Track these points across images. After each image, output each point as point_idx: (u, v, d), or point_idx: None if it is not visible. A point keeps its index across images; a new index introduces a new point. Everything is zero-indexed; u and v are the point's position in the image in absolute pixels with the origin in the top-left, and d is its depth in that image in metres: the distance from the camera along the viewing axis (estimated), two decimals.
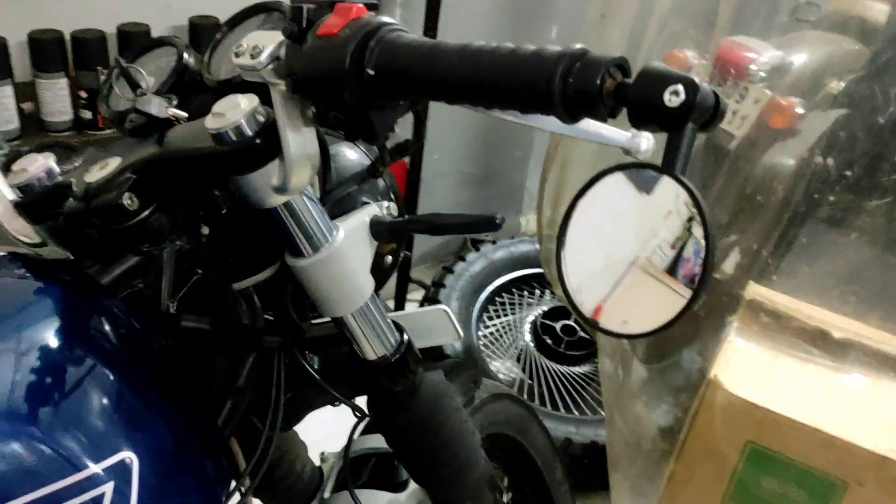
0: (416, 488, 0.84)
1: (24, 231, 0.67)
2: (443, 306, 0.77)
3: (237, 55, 0.55)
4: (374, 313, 0.68)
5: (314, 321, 0.72)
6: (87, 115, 1.39)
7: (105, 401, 0.54)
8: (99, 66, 1.35)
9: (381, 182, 0.75)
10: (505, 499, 1.15)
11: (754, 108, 1.62)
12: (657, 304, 0.37)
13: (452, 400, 0.76)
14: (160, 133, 0.63)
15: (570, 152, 1.71)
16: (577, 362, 1.90)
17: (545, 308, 1.99)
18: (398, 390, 0.71)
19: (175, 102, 0.66)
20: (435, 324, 0.78)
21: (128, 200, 0.58)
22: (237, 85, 0.65)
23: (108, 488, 0.49)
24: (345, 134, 0.54)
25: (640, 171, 0.39)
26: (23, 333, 0.52)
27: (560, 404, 1.81)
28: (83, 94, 1.36)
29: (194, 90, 0.71)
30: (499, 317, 2.00)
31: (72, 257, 0.64)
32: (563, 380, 1.87)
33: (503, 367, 1.94)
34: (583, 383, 1.88)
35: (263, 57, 0.53)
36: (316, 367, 0.73)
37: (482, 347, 1.91)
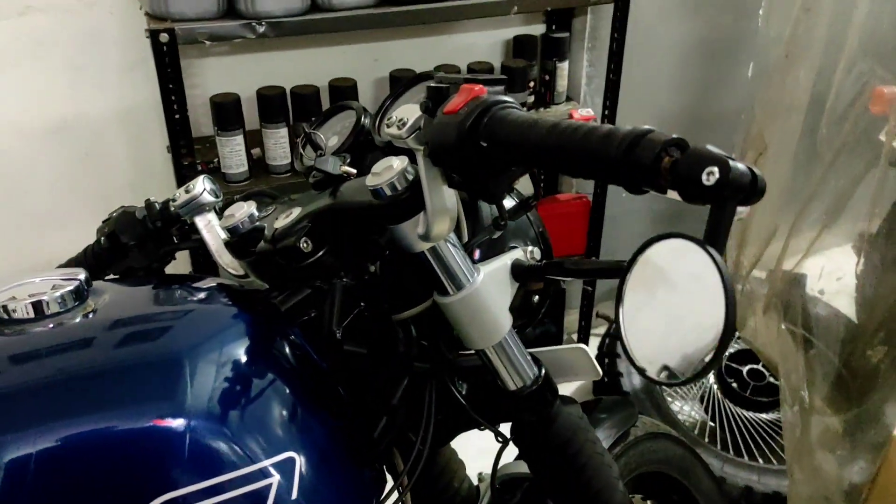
0: None
1: (232, 264, 0.82)
2: (582, 345, 0.83)
3: (388, 126, 0.65)
4: (512, 347, 0.75)
5: (463, 353, 0.81)
6: None
7: (279, 408, 0.65)
8: (314, 116, 1.54)
9: (531, 230, 0.83)
10: None
11: None
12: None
13: (588, 432, 0.81)
14: (335, 187, 0.76)
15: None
16: (763, 408, 1.84)
17: (731, 351, 1.94)
18: (535, 419, 0.77)
19: (348, 160, 0.78)
20: (574, 361, 0.83)
21: (303, 244, 0.70)
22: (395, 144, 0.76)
23: (274, 480, 0.60)
24: (467, 194, 0.62)
25: (683, 241, 0.43)
26: (223, 349, 0.65)
27: (744, 450, 1.76)
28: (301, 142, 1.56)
29: (369, 149, 0.83)
30: None
31: (267, 286, 0.78)
32: (748, 425, 1.81)
33: (686, 409, 1.92)
34: (769, 430, 1.81)
35: (406, 129, 0.63)
36: (464, 393, 0.81)
37: (663, 389, 1.90)
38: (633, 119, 2.01)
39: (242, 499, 0.59)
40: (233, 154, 1.52)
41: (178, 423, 0.58)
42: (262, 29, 1.38)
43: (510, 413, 0.79)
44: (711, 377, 1.92)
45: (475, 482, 1.00)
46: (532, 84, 1.79)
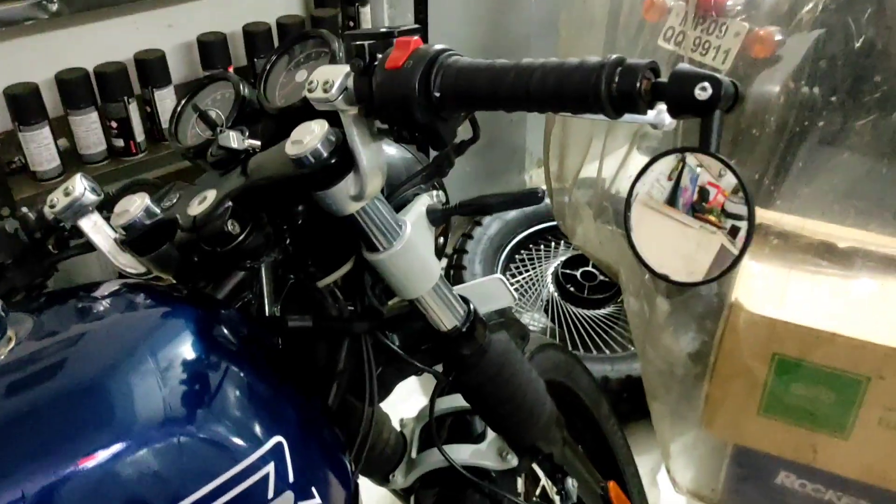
0: (493, 437, 0.95)
1: (129, 263, 0.77)
2: (498, 275, 0.87)
3: (310, 90, 0.64)
4: (444, 290, 0.78)
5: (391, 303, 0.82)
6: (119, 143, 1.47)
7: (245, 395, 0.63)
8: (125, 96, 1.43)
9: None
10: None
11: (735, 42, 1.70)
12: (717, 256, 0.47)
13: (516, 353, 0.86)
14: (241, 163, 0.73)
15: (569, 123, 1.80)
16: (600, 305, 2.01)
17: (563, 258, 2.09)
18: (470, 353, 0.81)
19: (247, 134, 0.75)
20: (492, 291, 0.88)
21: (230, 226, 0.68)
22: (296, 110, 0.74)
23: (269, 469, 0.59)
24: (416, 146, 0.63)
25: (689, 154, 0.48)
26: (177, 351, 0.62)
27: (591, 346, 1.93)
28: (113, 125, 1.45)
29: (256, 118, 0.80)
30: (521, 273, 2.11)
31: (173, 281, 0.75)
32: (590, 323, 1.99)
33: (532, 319, 2.05)
34: (609, 324, 1.99)
35: (335, 90, 0.62)
36: (397, 343, 0.83)
37: (515, 310, 2.02)
38: (444, 41, 2.05)
39: (244, 495, 0.58)
40: (41, 150, 1.37)
41: (156, 438, 0.55)
42: (55, 7, 1.25)
43: (445, 353, 0.82)
44: (550, 285, 2.07)
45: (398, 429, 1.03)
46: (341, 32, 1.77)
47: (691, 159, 0.48)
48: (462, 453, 0.94)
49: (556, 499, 1.05)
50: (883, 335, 1.28)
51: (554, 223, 2.08)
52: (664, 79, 0.48)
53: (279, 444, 0.61)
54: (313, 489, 0.63)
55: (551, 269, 2.09)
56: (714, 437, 1.56)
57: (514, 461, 0.93)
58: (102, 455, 0.53)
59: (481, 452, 0.94)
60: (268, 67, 0.81)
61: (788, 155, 1.39)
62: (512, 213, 2.13)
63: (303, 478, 0.62)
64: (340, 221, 0.71)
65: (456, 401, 0.99)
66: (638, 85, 0.49)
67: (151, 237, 0.71)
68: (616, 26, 1.68)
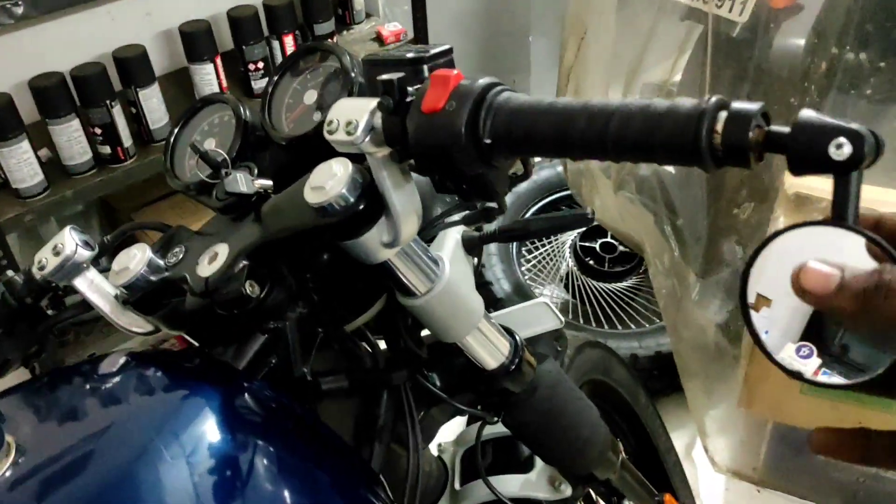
0: (543, 465, 0.88)
1: (134, 323, 0.68)
2: (543, 299, 0.79)
3: (330, 132, 0.54)
4: (488, 328, 0.69)
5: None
6: (106, 150, 1.37)
7: (280, 474, 0.56)
8: (107, 99, 1.32)
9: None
10: None
11: None
12: None
13: (566, 383, 0.78)
14: (253, 206, 0.63)
15: (583, 78, 1.69)
16: (621, 278, 1.94)
17: (580, 230, 2.00)
18: (519, 391, 0.73)
19: (256, 172, 0.66)
20: (537, 315, 0.79)
21: (249, 288, 0.59)
22: (309, 139, 0.65)
23: None
24: (464, 197, 0.54)
25: (813, 228, 0.39)
26: (181, 442, 0.54)
27: (616, 321, 1.85)
28: (97, 131, 1.34)
29: (260, 146, 0.70)
30: (537, 248, 2.02)
31: (185, 337, 0.66)
32: (612, 297, 1.91)
33: (551, 293, 1.98)
34: (631, 296, 1.91)
35: (360, 131, 0.53)
36: (438, 384, 0.75)
37: (529, 281, 1.94)
38: (443, 24, 1.94)
39: None
40: (21, 165, 1.27)
41: None
42: (20, 10, 1.14)
43: (492, 393, 0.74)
44: (569, 259, 1.99)
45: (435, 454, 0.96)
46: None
47: (822, 232, 0.39)
48: (510, 485, 0.87)
49: None
50: None
51: (568, 192, 1.99)
52: (782, 128, 0.39)
53: None
54: None
55: (569, 242, 2.00)
56: (753, 415, 1.50)
57: (567, 491, 0.87)
58: None
59: (531, 483, 0.87)
60: (270, 90, 0.71)
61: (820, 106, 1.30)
62: (524, 185, 2.03)
63: None
64: (366, 267, 0.62)
65: (499, 425, 0.92)
66: (750, 135, 0.39)
67: (158, 296, 0.63)
68: None
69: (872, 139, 0.37)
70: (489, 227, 0.73)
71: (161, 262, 0.63)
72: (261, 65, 1.51)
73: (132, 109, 1.38)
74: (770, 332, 0.41)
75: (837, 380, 0.39)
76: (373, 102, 0.53)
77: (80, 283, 0.67)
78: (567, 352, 1.07)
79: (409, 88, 0.52)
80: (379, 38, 1.72)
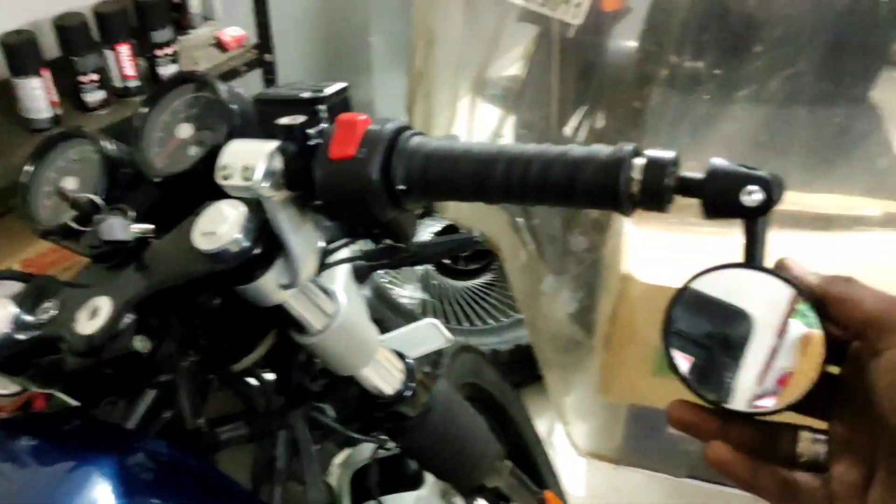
0: (433, 479, 0.89)
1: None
2: (432, 319, 0.80)
3: (225, 177, 0.52)
4: (384, 356, 0.69)
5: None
6: None
7: None
8: None
9: None
10: None
11: None
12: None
13: (459, 401, 0.80)
14: (133, 254, 0.59)
15: (433, 83, 1.71)
16: (476, 275, 1.98)
17: (434, 230, 2.03)
18: (416, 415, 0.74)
19: (132, 215, 0.61)
20: (427, 335, 0.80)
21: (139, 344, 0.55)
22: (187, 176, 0.61)
23: None
24: (374, 240, 0.54)
25: (725, 271, 0.42)
26: None
27: (474, 318, 1.90)
28: None
29: (129, 184, 0.66)
30: None
31: (62, 396, 0.61)
32: (468, 294, 1.95)
33: (408, 293, 1.99)
34: (486, 293, 1.97)
35: (258, 175, 0.51)
36: (332, 415, 0.74)
37: (388, 284, 1.94)
38: (285, 27, 1.88)
39: None
40: None
41: None
42: None
43: (389, 419, 0.74)
44: None
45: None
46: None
47: (735, 274, 0.42)
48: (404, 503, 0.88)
49: None
50: None
51: None
52: (695, 174, 0.42)
53: None
54: None
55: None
56: (611, 401, 1.59)
57: (459, 503, 0.88)
58: None
59: (423, 499, 0.89)
60: (140, 125, 0.66)
61: (664, 118, 1.39)
62: None
63: None
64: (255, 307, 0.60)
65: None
66: (667, 182, 0.42)
67: (28, 356, 0.58)
68: None
69: (779, 184, 0.40)
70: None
71: (29, 318, 0.58)
72: (95, 76, 1.41)
73: None
74: (688, 366, 0.44)
75: (764, 405, 0.42)
76: (270, 145, 0.52)
77: None
78: (446, 361, 1.09)
79: (310, 131, 0.51)
80: (220, 44, 1.65)
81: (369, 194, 0.48)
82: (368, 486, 0.90)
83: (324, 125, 0.52)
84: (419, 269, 2.00)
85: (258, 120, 0.56)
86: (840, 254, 1.40)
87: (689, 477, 1.67)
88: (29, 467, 0.55)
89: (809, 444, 0.41)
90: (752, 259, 0.42)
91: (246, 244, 0.53)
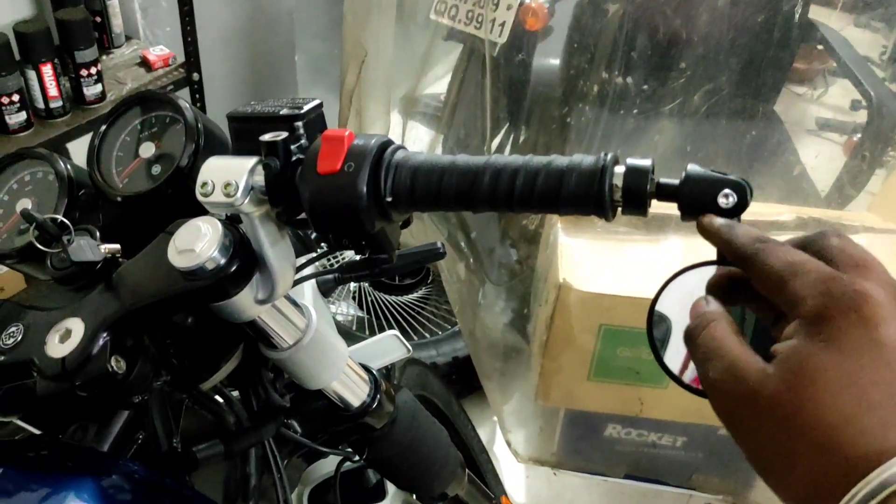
0: (395, 491, 0.90)
1: None
2: (393, 332, 0.81)
3: (204, 194, 0.52)
4: (350, 369, 0.70)
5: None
6: None
7: None
8: None
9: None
10: None
11: (509, 14, 1.73)
12: None
13: (422, 411, 0.81)
14: (100, 275, 0.58)
15: (365, 100, 1.73)
16: (410, 290, 2.00)
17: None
18: (381, 426, 0.75)
19: (97, 235, 0.60)
20: (387, 347, 0.81)
21: (115, 364, 0.55)
22: (150, 195, 0.61)
23: None
24: (357, 251, 0.55)
25: (703, 268, 0.46)
26: None
27: (410, 331, 1.91)
28: None
29: (89, 205, 0.65)
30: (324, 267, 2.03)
31: (21, 425, 0.60)
32: (403, 308, 1.97)
33: (343, 310, 1.99)
34: (421, 307, 1.98)
35: (240, 193, 0.51)
36: (299, 431, 0.75)
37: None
38: (210, 46, 1.86)
39: None
40: None
41: None
42: None
43: (355, 431, 0.75)
44: None
45: None
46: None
47: (711, 270, 0.45)
48: None
49: None
50: None
51: None
52: (672, 180, 0.45)
53: None
54: None
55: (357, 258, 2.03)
56: (548, 406, 1.63)
57: None
58: None
59: None
60: (97, 143, 0.66)
61: (594, 131, 1.45)
62: None
63: None
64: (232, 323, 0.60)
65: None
66: (648, 187, 0.45)
67: None
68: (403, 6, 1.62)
69: (749, 189, 0.44)
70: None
71: None
72: (16, 97, 1.36)
73: None
74: (668, 352, 0.47)
75: None
76: (250, 161, 0.52)
77: None
78: (396, 374, 1.10)
79: (293, 147, 0.52)
80: (145, 63, 1.62)
81: (358, 207, 0.49)
82: (328, 502, 0.90)
83: (303, 142, 0.53)
84: (353, 285, 2.00)
85: (233, 137, 0.57)
86: None
87: (627, 477, 1.72)
88: (4, 495, 0.53)
89: None
90: (724, 257, 0.45)
91: (222, 261, 0.53)
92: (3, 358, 0.56)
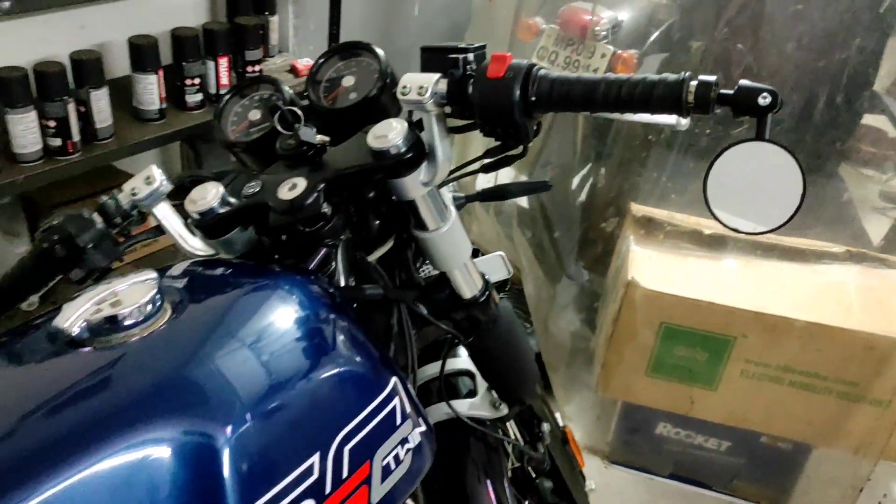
0: (483, 392, 1.11)
1: (198, 246, 0.85)
2: (500, 252, 1.04)
3: (403, 93, 0.77)
4: (470, 265, 0.93)
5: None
6: (57, 142, 1.47)
7: (361, 345, 0.74)
8: (63, 95, 1.44)
9: None
10: None
11: (602, 62, 1.99)
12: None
13: (517, 323, 1.03)
14: (315, 155, 0.84)
15: None
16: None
17: None
18: (486, 319, 0.97)
19: (315, 129, 0.86)
20: (494, 265, 1.04)
21: (326, 208, 0.79)
22: (347, 111, 0.87)
23: (396, 402, 0.73)
24: (503, 141, 0.78)
25: (745, 144, 0.67)
26: (291, 314, 0.71)
27: None
28: (51, 124, 1.45)
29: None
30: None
31: (235, 260, 0.84)
32: None
33: None
34: None
35: (428, 94, 0.76)
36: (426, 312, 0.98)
37: None
38: None
39: (381, 424, 0.71)
40: None
41: (313, 380, 0.67)
42: (6, 4, 1.25)
43: (466, 318, 0.97)
44: None
45: None
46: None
47: (752, 146, 0.67)
48: (462, 407, 1.10)
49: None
50: (747, 302, 1.59)
51: None
52: (728, 90, 0.68)
53: (396, 383, 0.74)
54: (419, 419, 0.77)
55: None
56: (607, 397, 1.82)
57: (505, 410, 1.10)
58: (281, 394, 0.65)
59: (477, 405, 1.10)
60: (315, 73, 0.92)
61: (674, 161, 1.67)
62: None
63: (412, 409, 0.76)
64: (395, 204, 0.84)
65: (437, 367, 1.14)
66: (712, 94, 0.67)
67: (228, 222, 0.81)
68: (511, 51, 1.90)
69: (779, 94, 0.66)
70: (470, 192, 0.98)
71: (229, 198, 0.81)
72: (197, 81, 1.68)
73: (81, 108, 1.50)
74: (722, 210, 0.69)
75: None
76: (436, 76, 0.77)
77: (158, 210, 0.84)
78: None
79: (468, 64, 0.77)
80: (293, 70, 1.93)
81: (513, 102, 0.73)
82: (431, 391, 1.12)
83: (472, 65, 0.78)
84: None
85: (423, 62, 0.82)
86: (812, 276, 1.67)
87: (671, 476, 1.88)
88: (257, 283, 0.77)
89: None
90: (761, 136, 0.66)
91: (404, 149, 0.78)
92: (243, 201, 0.81)
